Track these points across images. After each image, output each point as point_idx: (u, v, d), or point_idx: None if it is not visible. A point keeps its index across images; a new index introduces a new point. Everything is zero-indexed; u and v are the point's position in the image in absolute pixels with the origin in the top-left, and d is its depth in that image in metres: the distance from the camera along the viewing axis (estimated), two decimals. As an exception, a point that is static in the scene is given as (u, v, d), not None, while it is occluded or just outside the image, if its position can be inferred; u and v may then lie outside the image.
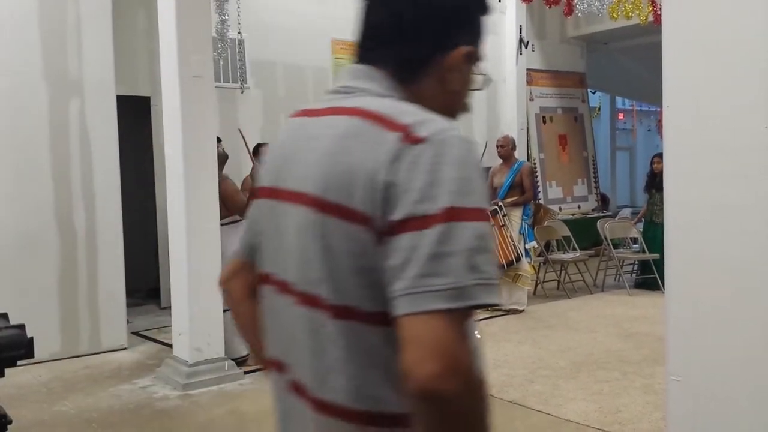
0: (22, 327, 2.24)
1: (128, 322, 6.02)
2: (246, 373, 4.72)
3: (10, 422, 2.22)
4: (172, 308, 4.81)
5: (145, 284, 7.54)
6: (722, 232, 2.07)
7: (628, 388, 4.26)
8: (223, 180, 4.89)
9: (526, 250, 6.60)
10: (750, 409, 2.02)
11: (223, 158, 4.99)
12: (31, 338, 2.19)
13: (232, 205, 4.89)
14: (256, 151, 6.59)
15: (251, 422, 3.89)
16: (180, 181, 4.55)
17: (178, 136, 4.53)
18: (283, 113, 7.99)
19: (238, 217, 4.94)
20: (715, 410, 2.09)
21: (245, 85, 7.46)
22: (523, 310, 6.54)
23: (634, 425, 3.65)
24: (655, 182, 7.61)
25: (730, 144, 2.03)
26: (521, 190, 6.65)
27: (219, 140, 5.05)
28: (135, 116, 7.04)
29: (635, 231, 8.02)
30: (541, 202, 9.89)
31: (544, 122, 10.64)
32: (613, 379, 4.44)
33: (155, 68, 4.75)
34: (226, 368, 4.62)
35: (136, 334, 6.04)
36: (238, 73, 7.33)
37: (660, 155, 7.95)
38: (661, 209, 6.95)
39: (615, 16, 8.85)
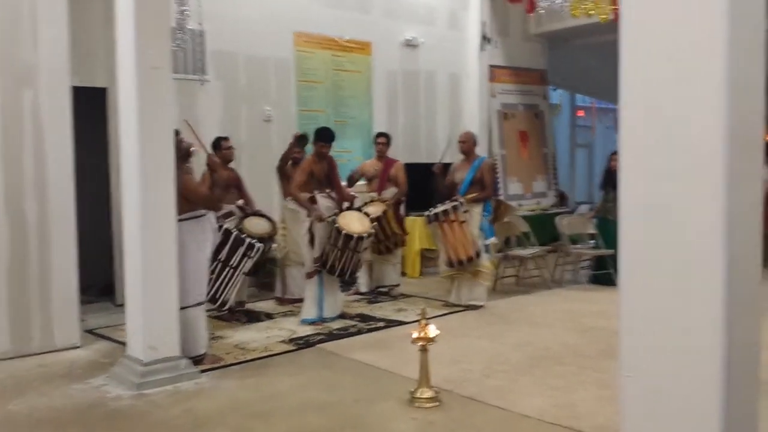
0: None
1: (82, 320, 5.89)
2: (203, 371, 4.66)
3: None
4: (126, 306, 4.71)
5: (100, 281, 7.38)
6: (671, 229, 2.10)
7: (584, 382, 4.33)
8: (184, 174, 4.80)
9: (486, 246, 6.64)
10: (699, 405, 2.06)
11: (186, 152, 4.90)
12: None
13: (196, 198, 4.79)
14: (216, 145, 6.51)
15: (207, 422, 3.84)
16: (135, 175, 4.45)
17: (135, 128, 4.43)
18: (244, 106, 7.91)
19: (202, 212, 4.86)
20: (668, 406, 2.13)
21: (205, 77, 7.34)
22: (482, 306, 6.59)
23: (589, 420, 3.69)
24: (611, 179, 7.72)
25: (680, 143, 2.06)
26: (482, 186, 6.68)
27: (178, 133, 4.96)
28: (91, 108, 6.87)
29: (591, 227, 8.14)
30: (502, 198, 9.97)
31: (506, 119, 10.73)
32: (570, 374, 4.50)
33: (113, 59, 4.63)
34: (182, 367, 4.55)
35: (90, 332, 5.91)
36: (199, 65, 7.20)
37: (617, 153, 8.07)
38: (615, 206, 7.05)
39: (576, 13, 8.95)
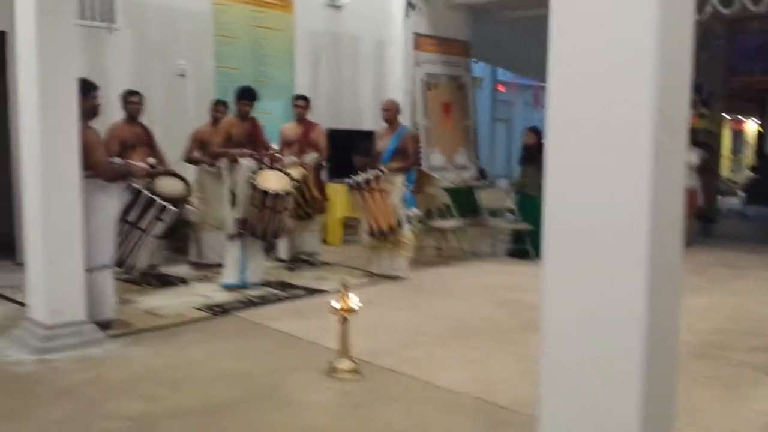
0: None
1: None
2: (111, 337, 4.42)
3: None
4: (27, 266, 4.39)
5: (1, 237, 6.89)
6: (596, 203, 2.10)
7: (502, 355, 4.37)
8: (87, 130, 4.46)
9: (407, 217, 6.61)
10: (620, 379, 2.07)
11: (92, 109, 4.56)
12: None
13: (91, 160, 4.41)
14: (124, 98, 6.13)
15: (115, 390, 3.64)
16: (36, 126, 4.12)
17: (34, 76, 4.09)
18: (157, 58, 7.49)
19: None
20: (588, 381, 2.14)
21: (114, 25, 6.88)
22: (403, 277, 6.57)
23: (507, 393, 3.72)
24: (528, 155, 7.83)
25: (608, 118, 2.06)
26: (405, 155, 6.61)
27: (96, 88, 4.62)
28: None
29: (510, 201, 8.26)
30: (424, 168, 9.96)
31: (429, 89, 10.67)
32: (488, 347, 4.54)
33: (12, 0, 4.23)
34: (88, 332, 4.30)
35: (-13, 291, 5.52)
36: (107, 11, 6.73)
37: (531, 129, 8.21)
38: (533, 182, 7.19)
39: (500, -16, 8.94)
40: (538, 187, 2.31)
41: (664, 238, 2.05)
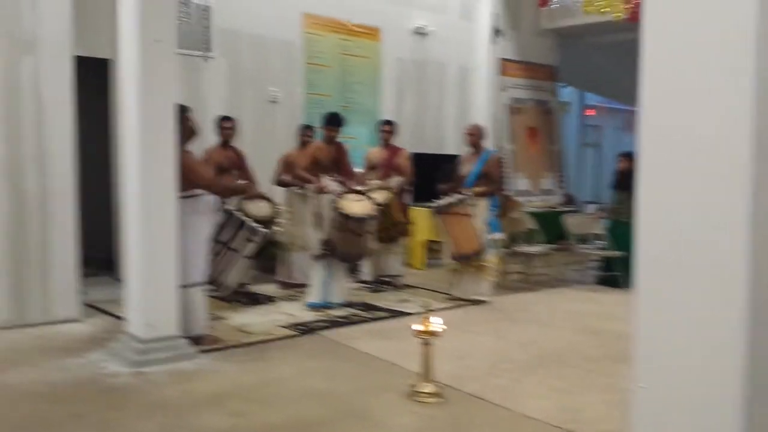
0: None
1: (83, 293, 5.79)
2: (202, 352, 4.57)
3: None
4: (125, 282, 4.62)
5: (102, 254, 7.28)
6: (692, 232, 2.01)
7: (589, 385, 4.24)
8: (185, 153, 4.68)
9: (491, 241, 6.55)
10: (718, 421, 1.97)
11: (190, 132, 4.79)
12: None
13: (196, 178, 4.65)
14: (218, 124, 6.39)
15: (205, 403, 3.75)
16: (135, 149, 4.35)
17: (135, 102, 4.33)
18: (249, 86, 7.78)
19: (198, 191, 4.73)
20: (683, 421, 2.04)
21: (210, 54, 7.20)
22: (486, 301, 6.50)
23: (594, 425, 3.60)
24: (621, 181, 7.62)
25: (704, 144, 1.97)
26: (489, 180, 6.57)
27: (188, 110, 4.84)
28: (95, 79, 6.75)
29: (599, 227, 8.05)
30: (509, 193, 9.86)
31: (515, 113, 10.61)
32: (575, 376, 4.41)
33: (116, 30, 4.51)
34: (181, 346, 4.46)
35: (91, 305, 5.82)
36: (204, 41, 7.06)
37: (625, 154, 7.98)
38: (626, 207, 6.98)
39: (589, 10, 8.83)
40: (630, 213, 2.25)
41: (766, 265, 1.94)
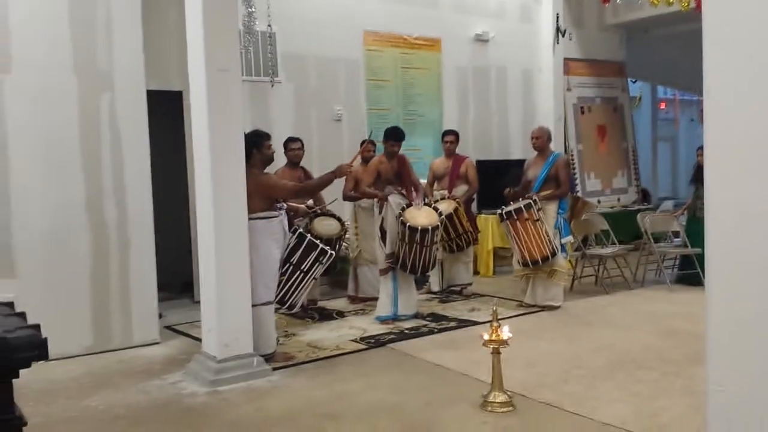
0: (37, 327, 2.20)
1: (161, 316, 6.04)
2: (275, 369, 4.68)
3: (25, 423, 2.19)
4: (201, 303, 4.79)
5: (180, 278, 7.58)
6: (766, 229, 1.92)
7: (667, 389, 4.09)
8: (263, 175, 4.85)
9: (562, 245, 6.42)
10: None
11: (268, 159, 4.96)
12: (45, 339, 2.15)
13: (279, 193, 4.93)
14: (285, 146, 6.55)
15: (278, 420, 3.84)
16: (207, 174, 4.51)
17: (205, 129, 4.49)
18: (315, 107, 7.94)
19: (273, 213, 4.87)
20: (758, 424, 1.94)
21: (276, 79, 7.40)
22: (559, 307, 6.37)
23: (673, 429, 3.48)
24: (700, 175, 7.34)
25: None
26: (557, 183, 6.46)
27: (269, 137, 5.00)
28: (167, 111, 7.06)
29: (677, 225, 7.76)
30: (579, 194, 9.66)
31: (582, 113, 10.41)
32: (652, 380, 4.27)
33: (186, 63, 4.71)
34: (255, 364, 4.58)
35: (169, 328, 6.07)
36: (270, 67, 7.26)
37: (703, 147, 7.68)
38: (704, 203, 6.70)
39: (655, 2, 8.59)
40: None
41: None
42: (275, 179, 4.96)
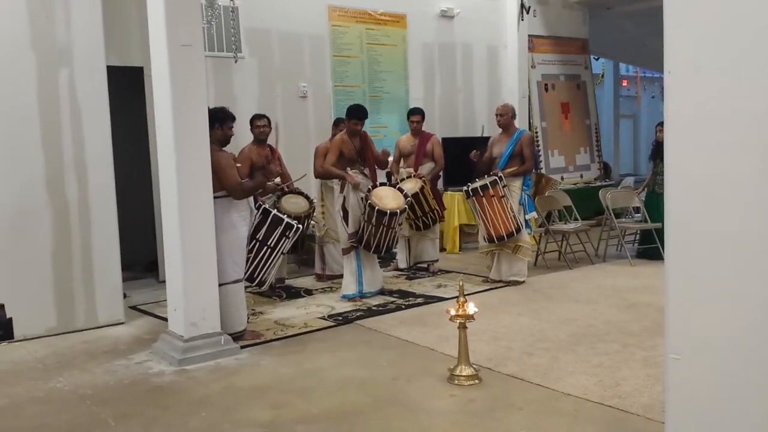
0: (1, 307, 2.17)
1: (126, 296, 5.97)
2: (243, 347, 4.68)
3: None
4: (167, 282, 4.75)
5: (144, 257, 7.49)
6: (723, 203, 1.98)
7: (628, 360, 4.21)
8: (219, 152, 4.78)
9: (526, 221, 6.52)
10: (751, 389, 1.95)
11: (226, 140, 4.91)
12: (10, 319, 2.12)
13: (223, 181, 4.73)
14: (252, 123, 6.48)
15: (246, 397, 3.85)
16: (170, 152, 4.45)
17: (168, 106, 4.41)
18: (280, 83, 7.86)
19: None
20: (716, 390, 2.02)
21: (239, 54, 7.29)
22: (523, 282, 6.48)
23: (634, 399, 3.59)
24: (659, 151, 7.49)
25: (733, 112, 1.93)
26: (521, 159, 6.52)
27: (233, 119, 4.94)
28: (128, 87, 6.92)
29: (637, 200, 7.93)
30: (543, 171, 9.77)
31: (546, 90, 10.48)
32: (614, 352, 4.38)
33: (147, 38, 4.61)
34: (222, 343, 4.57)
35: (134, 308, 6.01)
36: (233, 42, 7.15)
37: (663, 124, 7.82)
38: (663, 178, 6.85)
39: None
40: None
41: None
42: (228, 165, 4.80)
